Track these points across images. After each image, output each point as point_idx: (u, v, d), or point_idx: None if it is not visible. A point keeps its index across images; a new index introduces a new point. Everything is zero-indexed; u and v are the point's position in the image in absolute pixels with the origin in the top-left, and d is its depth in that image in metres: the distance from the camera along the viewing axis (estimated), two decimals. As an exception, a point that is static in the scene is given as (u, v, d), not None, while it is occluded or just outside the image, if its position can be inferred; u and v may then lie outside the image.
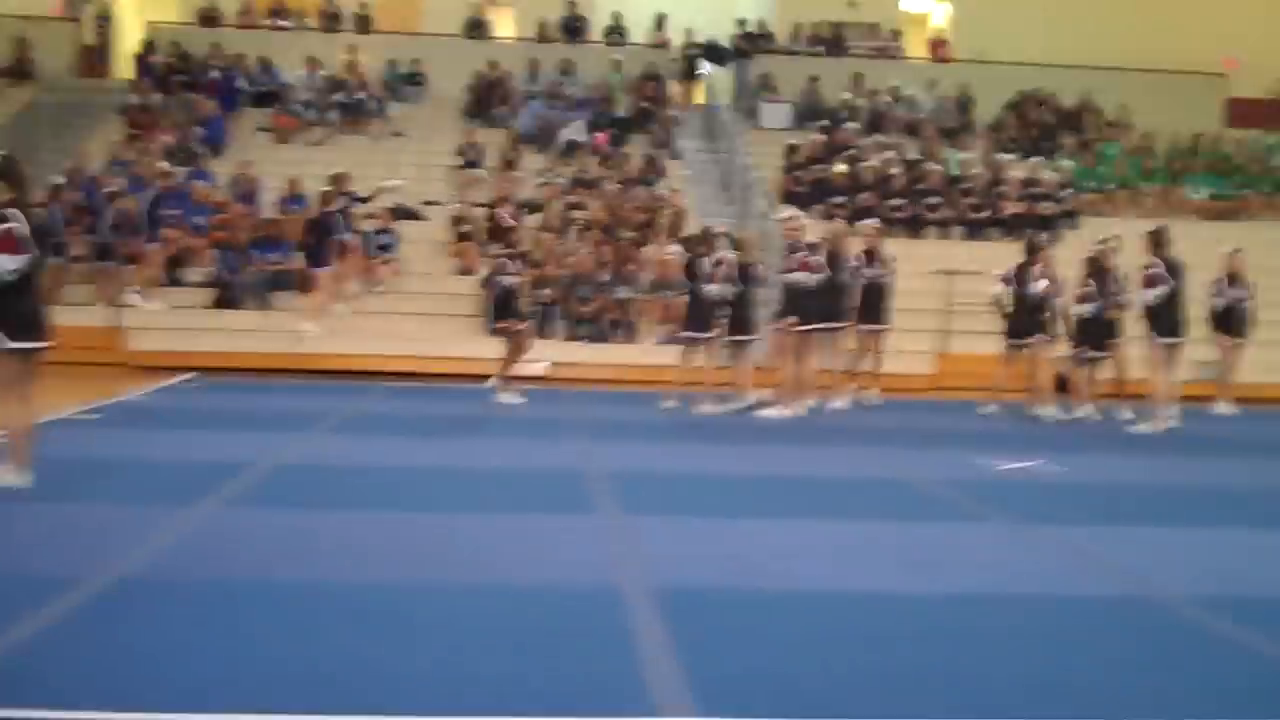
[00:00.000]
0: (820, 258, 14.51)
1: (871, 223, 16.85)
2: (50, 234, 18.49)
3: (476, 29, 27.88)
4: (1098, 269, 15.17)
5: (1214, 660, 5.59)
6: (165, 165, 20.95)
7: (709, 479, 10.16)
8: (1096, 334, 15.15)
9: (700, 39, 27.04)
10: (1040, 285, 14.97)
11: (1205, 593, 6.71)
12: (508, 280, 15.41)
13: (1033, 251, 15.40)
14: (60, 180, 20.13)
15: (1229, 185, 24.83)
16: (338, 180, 18.48)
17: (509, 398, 15.25)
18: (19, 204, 8.30)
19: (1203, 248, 17.01)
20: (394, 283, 19.76)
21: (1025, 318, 15.19)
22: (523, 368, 15.94)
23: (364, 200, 18.88)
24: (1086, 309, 15.10)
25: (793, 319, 14.27)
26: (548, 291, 18.94)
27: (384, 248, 19.66)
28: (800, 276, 14.19)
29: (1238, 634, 5.97)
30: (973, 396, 17.21)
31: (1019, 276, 15.29)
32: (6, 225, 8.13)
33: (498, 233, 19.09)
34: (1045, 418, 14.96)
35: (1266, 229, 23.31)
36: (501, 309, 15.48)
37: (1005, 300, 15.51)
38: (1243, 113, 28.26)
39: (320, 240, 18.15)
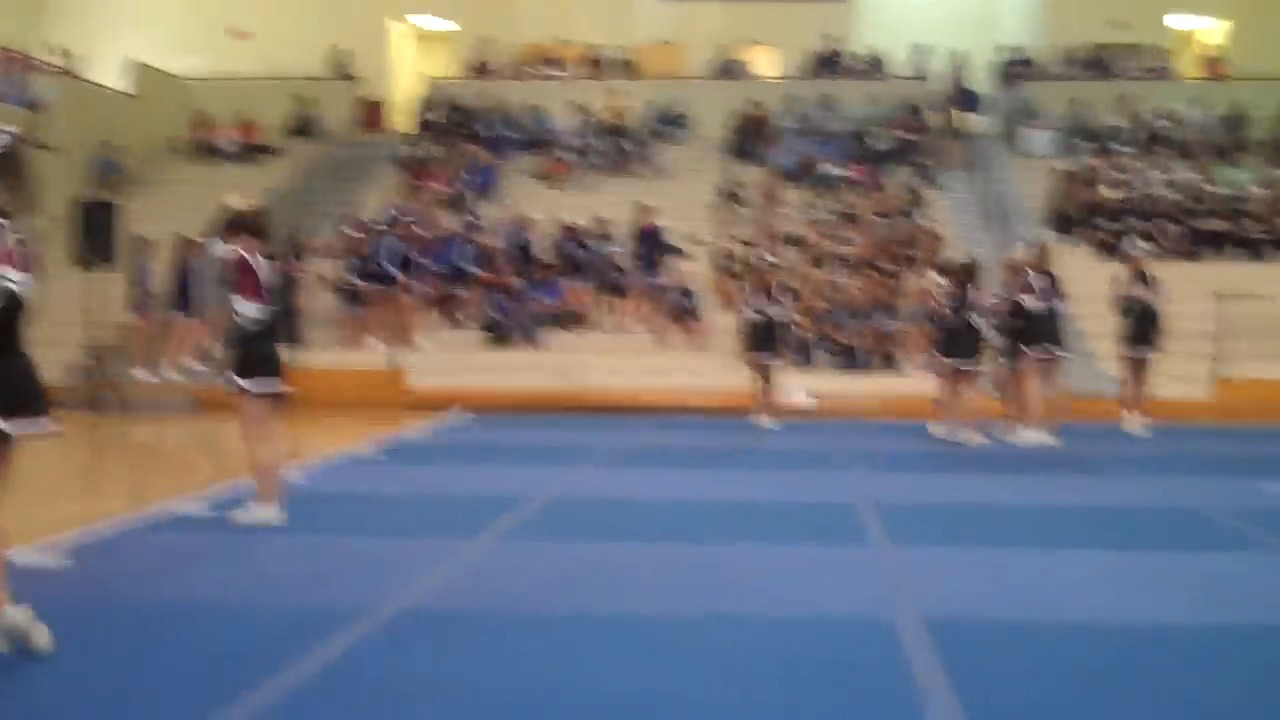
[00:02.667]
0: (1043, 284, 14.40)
1: (1140, 246, 16.36)
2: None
3: (729, 72, 28.17)
4: None
5: None
6: (435, 215, 21.84)
7: (980, 509, 10.03)
8: None
9: (962, 80, 26.68)
10: None
11: None
12: (753, 315, 15.74)
13: None
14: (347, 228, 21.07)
15: None
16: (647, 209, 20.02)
17: (764, 423, 15.74)
18: (264, 254, 8.76)
19: None
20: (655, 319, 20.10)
21: None
22: (785, 399, 16.20)
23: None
24: None
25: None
26: (811, 325, 19.04)
27: (687, 311, 19.95)
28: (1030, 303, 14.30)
29: None
30: (1254, 421, 16.65)
31: None
32: (254, 274, 8.59)
33: (755, 270, 19.20)
34: None
35: None
36: (756, 342, 15.78)
37: None
38: None
39: (650, 250, 19.81)
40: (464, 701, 5.03)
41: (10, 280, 5.30)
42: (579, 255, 20.88)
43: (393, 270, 19.98)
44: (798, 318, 18.83)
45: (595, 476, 11.91)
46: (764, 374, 16.11)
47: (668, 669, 5.49)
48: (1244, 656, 5.81)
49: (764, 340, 15.96)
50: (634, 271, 20.46)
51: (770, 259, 17.28)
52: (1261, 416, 17.31)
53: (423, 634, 6.01)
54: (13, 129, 5.61)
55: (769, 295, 16.06)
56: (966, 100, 26.69)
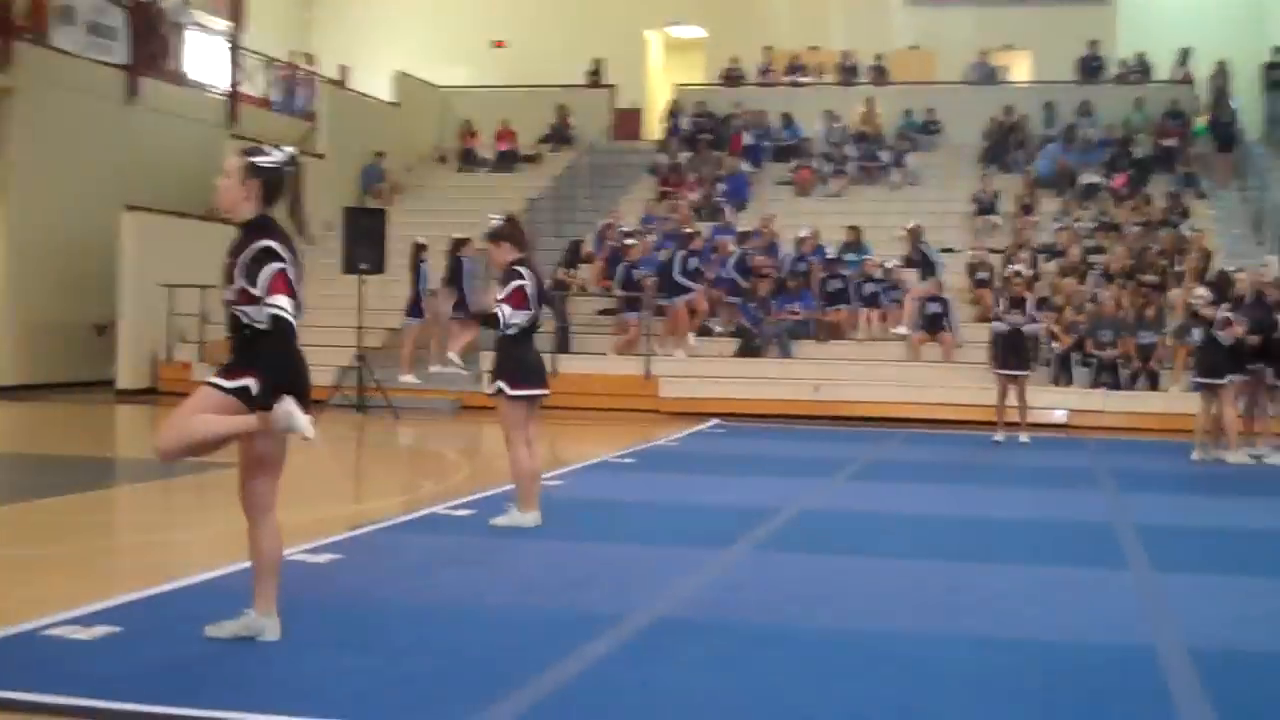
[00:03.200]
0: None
1: None
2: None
3: (983, 77, 27.66)
4: None
5: None
6: (691, 222, 22.02)
7: (1247, 534, 9.69)
8: None
9: (1225, 88, 25.56)
10: None
11: None
12: (1001, 327, 15.47)
13: None
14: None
15: None
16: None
17: (1018, 437, 15.55)
18: (527, 263, 8.95)
19: None
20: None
21: None
22: (1035, 414, 15.94)
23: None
24: None
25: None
26: (1067, 338, 18.63)
27: (941, 322, 19.75)
28: None
29: None
30: None
31: None
32: (518, 283, 8.79)
33: (1005, 281, 18.77)
34: None
35: None
36: (1003, 354, 15.47)
37: None
38: None
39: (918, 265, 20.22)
40: (714, 715, 5.08)
41: (281, 309, 5.50)
42: (831, 274, 20.67)
43: (684, 281, 20.18)
44: (1055, 329, 18.46)
45: (845, 490, 11.89)
46: (1012, 388, 15.78)
47: (913, 688, 5.47)
48: None
49: (1012, 353, 15.63)
50: (893, 285, 20.24)
51: (1019, 269, 16.94)
52: None
53: (676, 644, 6.09)
54: (291, 150, 5.84)
55: (1019, 307, 15.71)
56: (1227, 111, 25.43)
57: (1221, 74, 25.67)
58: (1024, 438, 15.61)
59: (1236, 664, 5.95)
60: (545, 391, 9.10)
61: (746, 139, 26.03)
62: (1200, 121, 25.59)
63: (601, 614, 6.55)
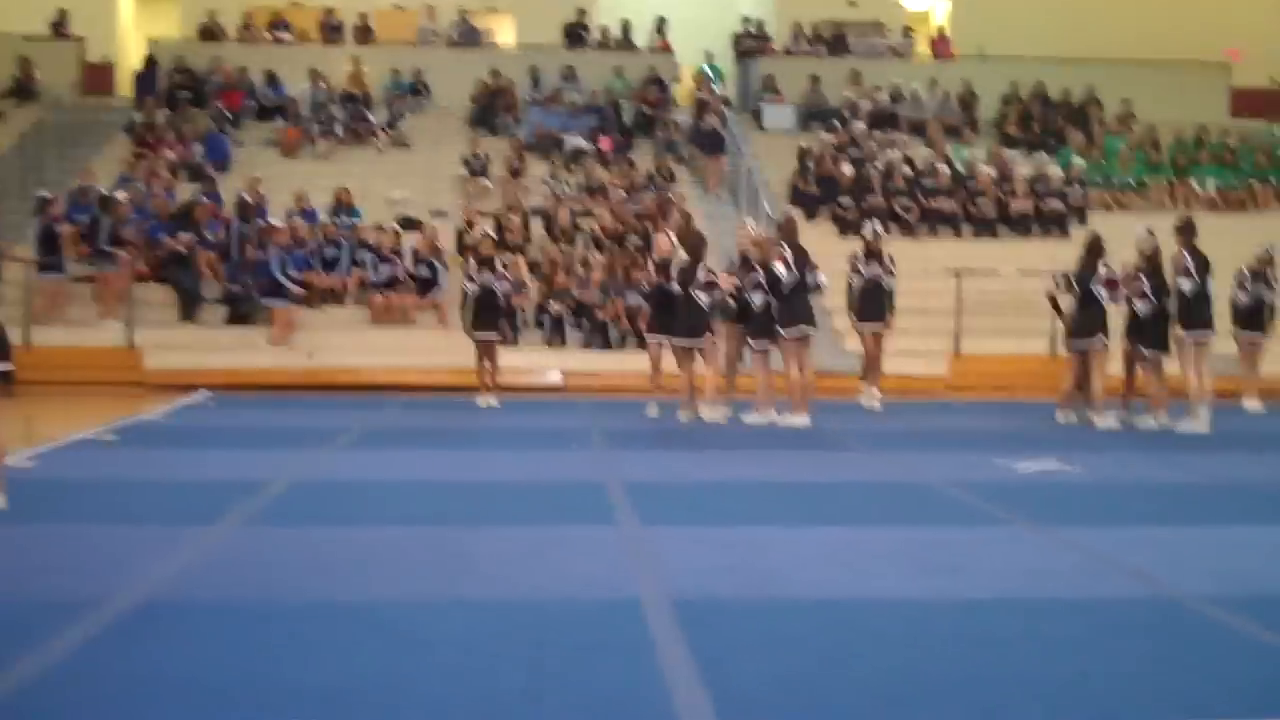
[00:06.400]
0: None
1: (874, 225, 16.37)
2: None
3: (468, 40, 27.84)
4: (1152, 265, 14.14)
5: (1231, 659, 5.57)
6: (169, 187, 21.11)
7: (728, 487, 10.13)
8: (1156, 332, 14.11)
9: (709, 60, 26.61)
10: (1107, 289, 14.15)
11: (1222, 592, 6.69)
12: (470, 287, 15.60)
13: (1096, 253, 14.40)
14: (46, 195, 19.84)
15: (1236, 177, 24.70)
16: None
17: (486, 402, 15.65)
18: None
19: (1213, 241, 16.40)
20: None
21: (1086, 319, 14.24)
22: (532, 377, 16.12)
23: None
24: (1143, 306, 14.02)
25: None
26: (555, 301, 19.01)
27: (427, 282, 19.59)
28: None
29: (1255, 632, 5.97)
30: (987, 396, 17.24)
31: (1080, 277, 14.32)
32: None
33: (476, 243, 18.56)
34: (1101, 424, 14.10)
35: (1276, 220, 23.21)
36: (478, 317, 15.59)
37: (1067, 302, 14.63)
38: (1246, 103, 28.24)
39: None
40: (200, 696, 4.84)
41: None
42: (327, 238, 20.24)
43: (108, 248, 19.15)
44: (528, 289, 18.72)
45: (339, 459, 11.65)
46: (487, 351, 15.87)
47: (407, 657, 5.40)
48: (964, 628, 6.00)
49: (486, 315, 15.69)
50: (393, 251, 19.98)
51: (488, 231, 17.03)
52: (993, 391, 17.90)
53: (159, 626, 5.79)
54: None
55: (491, 268, 15.77)
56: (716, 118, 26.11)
57: (708, 54, 26.62)
58: (494, 401, 15.70)
59: (714, 611, 6.17)
60: (9, 366, 8.51)
61: (232, 98, 25.13)
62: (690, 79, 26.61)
63: (75, 600, 6.13)
